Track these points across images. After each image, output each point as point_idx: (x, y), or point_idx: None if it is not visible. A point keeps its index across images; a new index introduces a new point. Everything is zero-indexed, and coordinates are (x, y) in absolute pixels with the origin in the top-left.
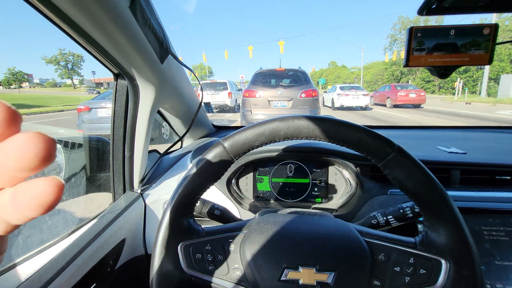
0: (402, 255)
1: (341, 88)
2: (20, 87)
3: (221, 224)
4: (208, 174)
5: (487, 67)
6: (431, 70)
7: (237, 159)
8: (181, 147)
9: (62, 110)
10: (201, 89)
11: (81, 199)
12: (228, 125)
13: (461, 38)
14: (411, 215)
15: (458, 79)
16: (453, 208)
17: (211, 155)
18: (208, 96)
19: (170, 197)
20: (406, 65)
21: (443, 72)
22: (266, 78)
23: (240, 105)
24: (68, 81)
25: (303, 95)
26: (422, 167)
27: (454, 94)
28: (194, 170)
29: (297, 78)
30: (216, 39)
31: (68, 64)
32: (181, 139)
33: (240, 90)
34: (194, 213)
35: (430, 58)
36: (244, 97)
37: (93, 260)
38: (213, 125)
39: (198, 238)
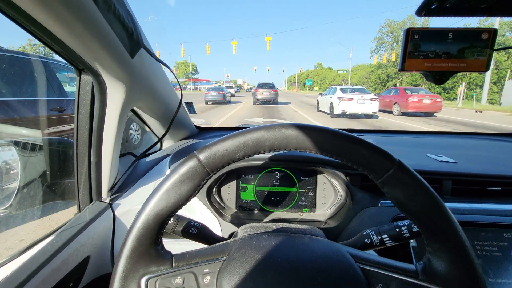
0: (403, 286)
1: (342, 91)
2: None
3: (197, 242)
4: (180, 193)
5: (488, 72)
6: (426, 75)
7: (215, 173)
8: (160, 149)
9: None
10: (181, 89)
11: (40, 210)
12: (211, 126)
13: (458, 43)
14: (408, 234)
15: (463, 84)
16: (460, 234)
17: (184, 169)
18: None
19: (132, 221)
20: (402, 69)
21: (439, 78)
22: (261, 85)
23: (252, 93)
24: None
25: (272, 91)
26: (425, 186)
27: (450, 99)
28: (163, 188)
29: (271, 85)
30: (197, 33)
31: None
32: (159, 141)
33: (238, 90)
34: (166, 231)
35: (427, 63)
36: (254, 91)
37: (47, 285)
38: (195, 126)
39: (167, 268)
